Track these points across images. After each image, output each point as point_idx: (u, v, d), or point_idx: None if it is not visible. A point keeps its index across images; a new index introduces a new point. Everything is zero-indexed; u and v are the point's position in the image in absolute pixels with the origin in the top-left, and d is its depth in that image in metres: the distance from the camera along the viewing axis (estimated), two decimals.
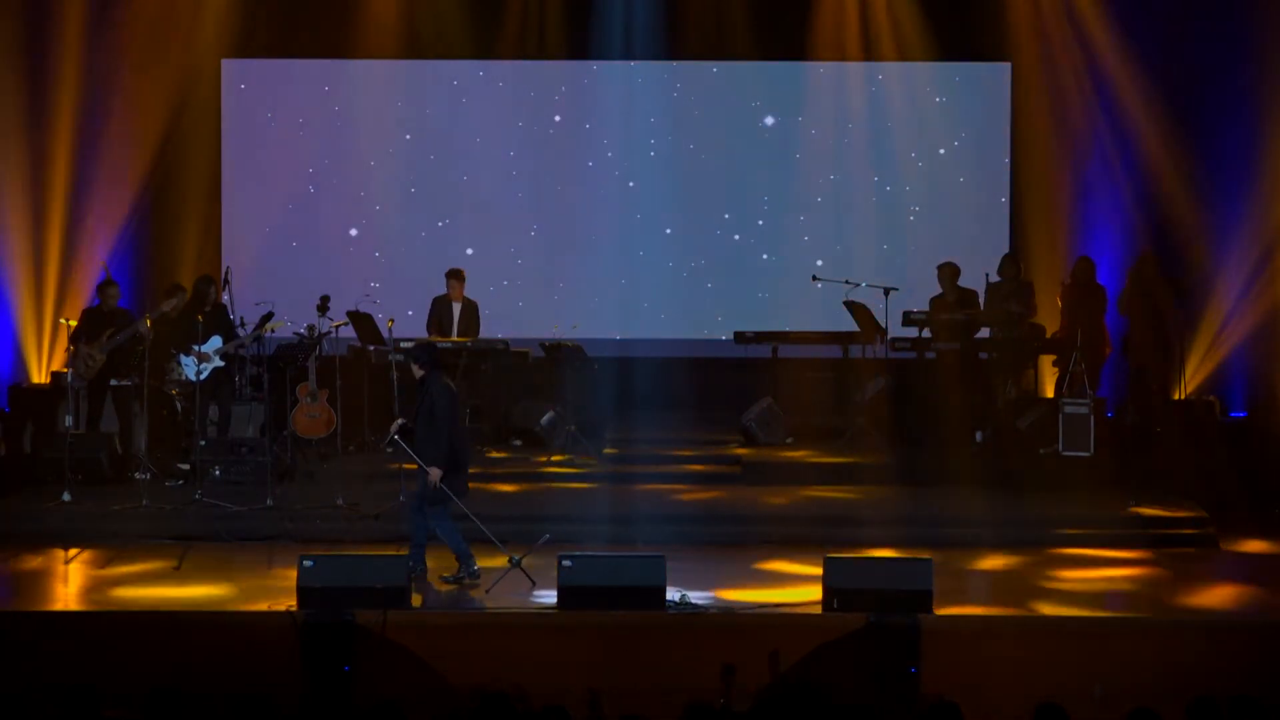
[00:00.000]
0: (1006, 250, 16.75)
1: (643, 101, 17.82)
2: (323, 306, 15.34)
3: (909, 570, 10.60)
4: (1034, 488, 13.99)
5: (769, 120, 17.77)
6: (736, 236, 17.91)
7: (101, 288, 15.13)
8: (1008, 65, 17.50)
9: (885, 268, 16.93)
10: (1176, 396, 15.76)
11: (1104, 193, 17.08)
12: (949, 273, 15.88)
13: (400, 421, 11.87)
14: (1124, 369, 16.07)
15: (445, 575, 11.57)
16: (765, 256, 17.88)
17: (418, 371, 11.73)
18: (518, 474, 14.75)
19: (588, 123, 17.88)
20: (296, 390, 15.07)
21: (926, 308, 15.78)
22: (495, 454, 15.52)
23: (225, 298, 15.32)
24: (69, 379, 14.50)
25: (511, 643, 10.26)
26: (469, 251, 17.31)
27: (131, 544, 12.66)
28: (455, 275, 15.98)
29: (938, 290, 15.94)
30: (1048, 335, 16.04)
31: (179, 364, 14.77)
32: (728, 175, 17.89)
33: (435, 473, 11.41)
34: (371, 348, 15.76)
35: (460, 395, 15.57)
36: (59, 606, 11.20)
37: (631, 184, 17.79)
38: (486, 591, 11.13)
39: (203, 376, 14.50)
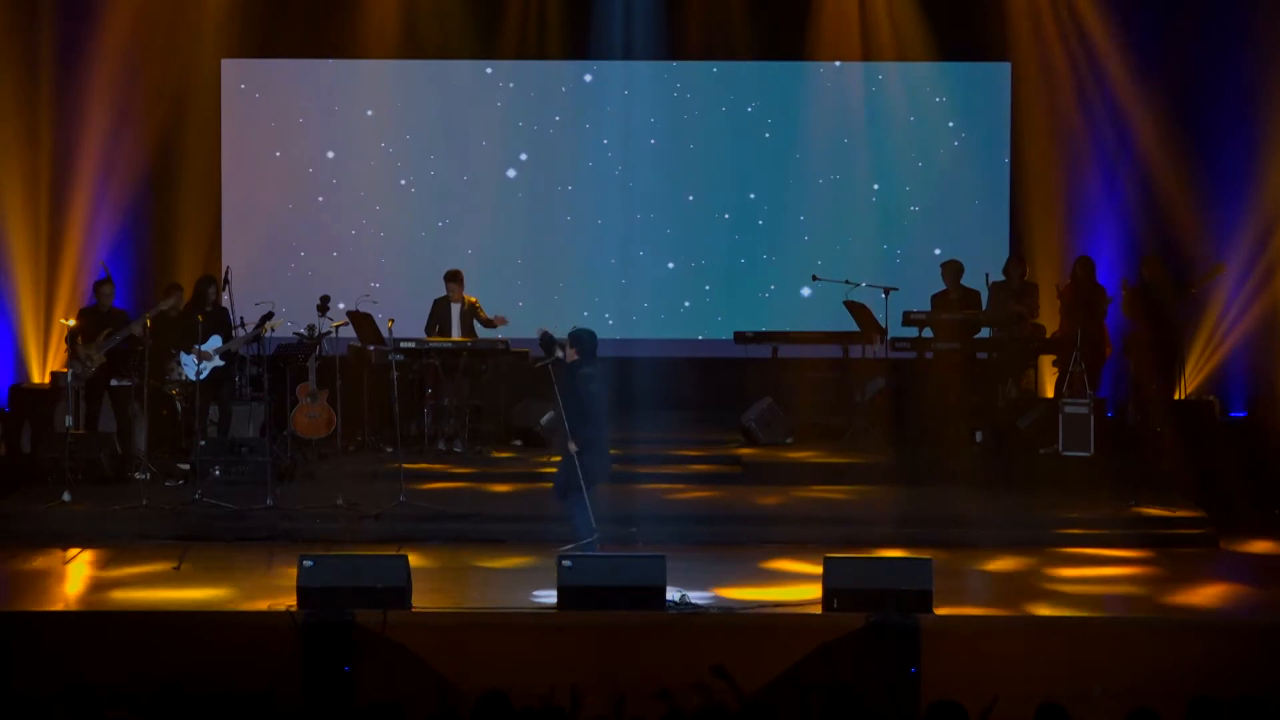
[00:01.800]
0: (1006, 250, 16.76)
1: (643, 101, 17.81)
2: (323, 306, 15.34)
3: (909, 570, 10.59)
4: (1034, 488, 13.98)
5: (761, 122, 17.77)
6: (736, 236, 17.90)
7: (98, 287, 15.17)
8: (1008, 65, 17.49)
9: (885, 268, 16.93)
10: (1176, 396, 15.75)
11: (1104, 193, 17.08)
12: (953, 269, 15.89)
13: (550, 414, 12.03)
14: (1124, 369, 16.07)
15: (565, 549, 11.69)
16: (765, 256, 17.87)
17: (573, 355, 11.82)
18: (518, 474, 14.75)
19: (588, 123, 17.87)
20: (296, 390, 15.06)
21: (927, 308, 15.79)
22: (495, 454, 15.53)
23: (225, 298, 15.32)
24: (68, 379, 14.49)
25: (511, 643, 10.26)
26: (469, 251, 17.30)
27: (131, 544, 12.66)
28: (453, 278, 15.96)
29: (937, 290, 15.96)
30: (1048, 335, 16.05)
31: (179, 363, 14.77)
32: (728, 175, 17.88)
33: (573, 445, 11.76)
34: (371, 348, 15.75)
35: (460, 395, 15.70)
36: (59, 606, 11.20)
37: (631, 184, 17.78)
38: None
39: (203, 376, 14.51)
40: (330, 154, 17.86)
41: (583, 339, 11.99)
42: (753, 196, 17.87)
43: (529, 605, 10.88)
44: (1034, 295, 15.96)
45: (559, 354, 12.01)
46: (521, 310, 17.28)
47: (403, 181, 17.88)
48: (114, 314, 15.01)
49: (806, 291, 16.43)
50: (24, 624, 10.43)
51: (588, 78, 17.88)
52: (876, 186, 17.75)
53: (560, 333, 12.31)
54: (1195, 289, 16.00)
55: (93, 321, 14.91)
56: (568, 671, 9.65)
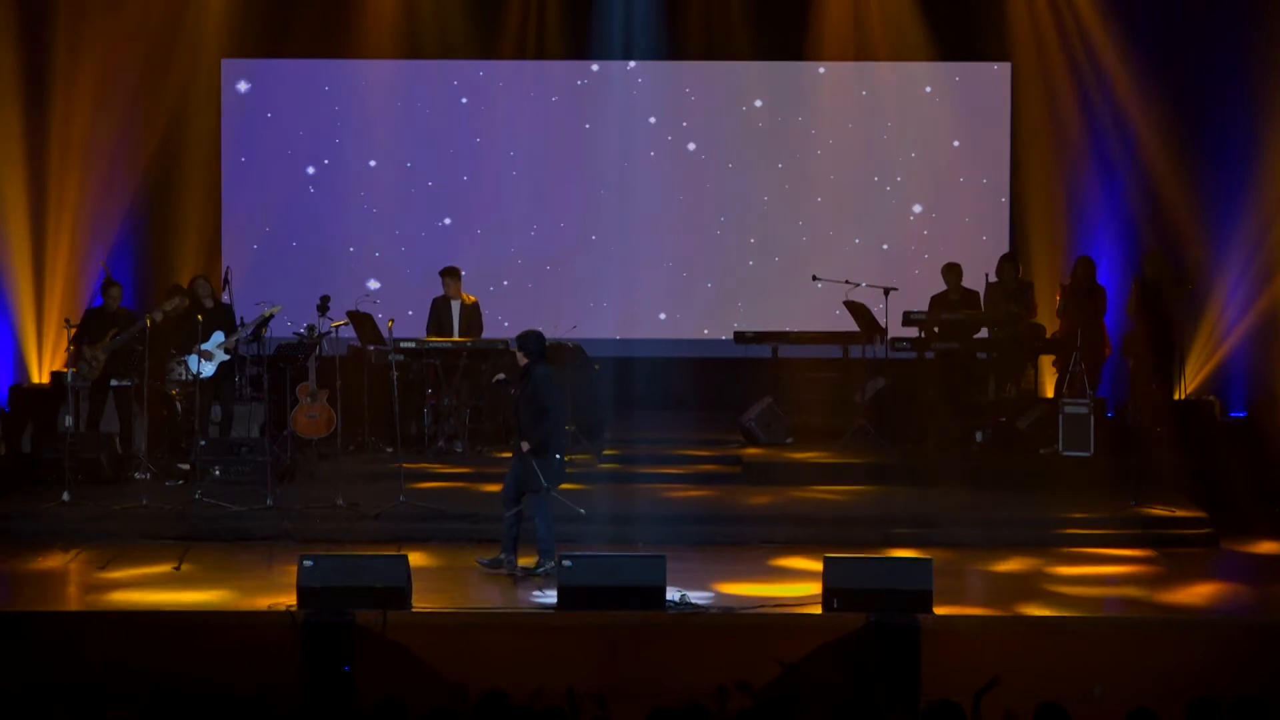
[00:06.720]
0: (1007, 250, 16.77)
1: (643, 101, 17.82)
2: (323, 306, 15.33)
3: (909, 570, 10.60)
4: (1034, 488, 13.99)
5: (762, 122, 17.77)
6: (736, 236, 17.91)
7: (105, 288, 15.15)
8: (1008, 65, 17.50)
9: (885, 268, 16.93)
10: (1176, 396, 15.76)
11: (1104, 193, 17.08)
12: (954, 271, 15.89)
13: (500, 376, 12.16)
14: (1124, 369, 16.08)
15: (527, 566, 11.63)
16: (765, 256, 17.87)
17: (522, 359, 11.87)
18: None
19: (588, 123, 17.87)
20: (296, 390, 15.06)
21: (927, 308, 15.79)
22: (495, 454, 15.51)
23: (226, 297, 15.31)
24: (69, 379, 14.49)
25: (511, 643, 10.27)
26: (469, 251, 17.30)
27: (131, 544, 12.67)
28: (450, 273, 15.95)
29: (936, 290, 15.94)
30: (1048, 335, 16.05)
31: (181, 363, 14.77)
32: (728, 175, 17.89)
33: (525, 445, 11.62)
34: (371, 348, 15.75)
35: (461, 395, 15.70)
36: (59, 606, 11.21)
37: (632, 184, 17.78)
38: None
39: (206, 374, 14.51)
40: (330, 153, 17.86)
41: (526, 342, 11.93)
42: (752, 196, 17.87)
43: (529, 605, 10.89)
44: (1029, 294, 15.97)
45: (520, 359, 11.96)
46: (522, 310, 17.33)
47: (403, 181, 17.87)
48: (120, 315, 15.00)
49: (820, 284, 16.32)
50: (24, 624, 10.44)
51: (587, 78, 17.89)
52: (876, 187, 17.74)
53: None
54: (1193, 285, 16.03)
55: (99, 322, 14.91)
56: (568, 671, 9.67)
